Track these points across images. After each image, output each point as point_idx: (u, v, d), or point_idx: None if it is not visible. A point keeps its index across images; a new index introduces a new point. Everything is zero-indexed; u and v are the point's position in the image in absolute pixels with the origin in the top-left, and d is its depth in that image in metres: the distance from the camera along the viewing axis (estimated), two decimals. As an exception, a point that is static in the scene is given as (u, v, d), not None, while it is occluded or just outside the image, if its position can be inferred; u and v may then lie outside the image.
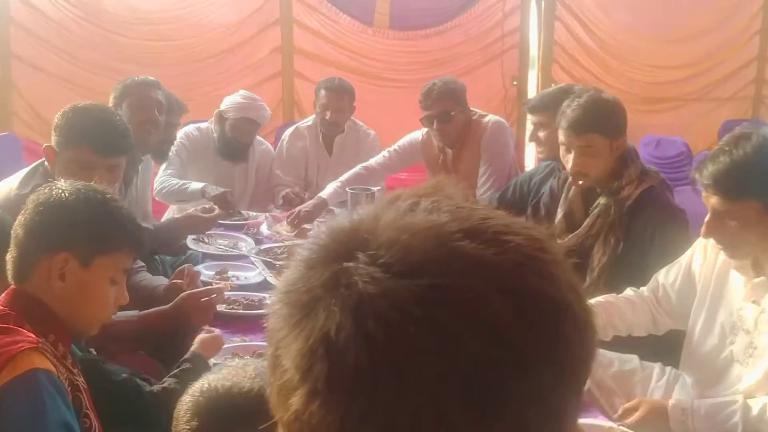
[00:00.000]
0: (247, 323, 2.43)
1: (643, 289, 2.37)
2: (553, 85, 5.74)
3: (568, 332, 0.57)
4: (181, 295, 2.30)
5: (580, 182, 2.64)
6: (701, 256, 2.23)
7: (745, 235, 1.92)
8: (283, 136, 4.37)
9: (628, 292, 2.37)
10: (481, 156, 3.76)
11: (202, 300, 2.27)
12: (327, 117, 4.11)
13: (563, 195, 2.80)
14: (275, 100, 5.42)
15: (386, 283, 0.54)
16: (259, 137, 4.20)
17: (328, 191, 3.73)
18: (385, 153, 4.02)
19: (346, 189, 3.57)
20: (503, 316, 0.54)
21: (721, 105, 5.79)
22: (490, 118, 3.84)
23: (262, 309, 2.51)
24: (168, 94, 3.40)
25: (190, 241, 3.20)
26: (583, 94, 2.59)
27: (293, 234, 3.48)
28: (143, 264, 2.77)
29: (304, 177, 4.29)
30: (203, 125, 4.02)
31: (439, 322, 0.53)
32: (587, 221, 2.65)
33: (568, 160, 2.59)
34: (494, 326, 0.54)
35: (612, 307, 2.30)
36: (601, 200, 2.61)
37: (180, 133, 3.94)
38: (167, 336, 2.31)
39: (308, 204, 3.63)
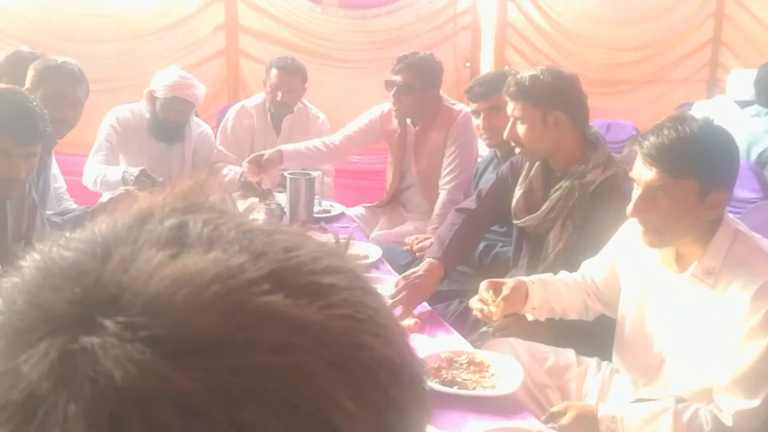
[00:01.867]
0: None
1: (575, 273, 2.30)
2: (506, 67, 5.65)
3: (407, 398, 0.42)
4: None
5: (518, 151, 2.58)
6: (625, 247, 2.14)
7: (674, 219, 1.84)
8: (227, 114, 4.22)
9: (563, 273, 2.30)
10: (448, 142, 3.71)
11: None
12: (278, 97, 4.00)
13: (523, 173, 2.69)
14: (219, 80, 5.24)
15: (158, 370, 0.35)
16: (197, 120, 4.02)
17: (287, 147, 3.66)
18: (344, 132, 3.94)
19: (284, 173, 3.42)
20: (343, 406, 0.38)
21: (675, 88, 5.74)
22: (461, 106, 3.74)
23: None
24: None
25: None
26: (539, 67, 2.55)
27: (257, 180, 3.41)
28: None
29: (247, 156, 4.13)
30: (135, 106, 3.82)
31: (252, 429, 0.36)
32: (547, 204, 2.55)
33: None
34: (334, 425, 0.37)
35: (550, 287, 2.24)
36: (564, 183, 2.53)
37: (110, 116, 3.77)
38: None
39: (267, 152, 3.54)
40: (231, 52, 5.21)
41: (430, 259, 2.61)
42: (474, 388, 1.92)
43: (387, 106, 3.89)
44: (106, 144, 3.71)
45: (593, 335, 2.33)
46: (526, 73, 2.56)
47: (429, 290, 2.54)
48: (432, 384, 1.87)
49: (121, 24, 5.00)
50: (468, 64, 5.64)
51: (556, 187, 2.53)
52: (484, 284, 2.15)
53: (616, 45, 5.66)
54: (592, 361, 2.29)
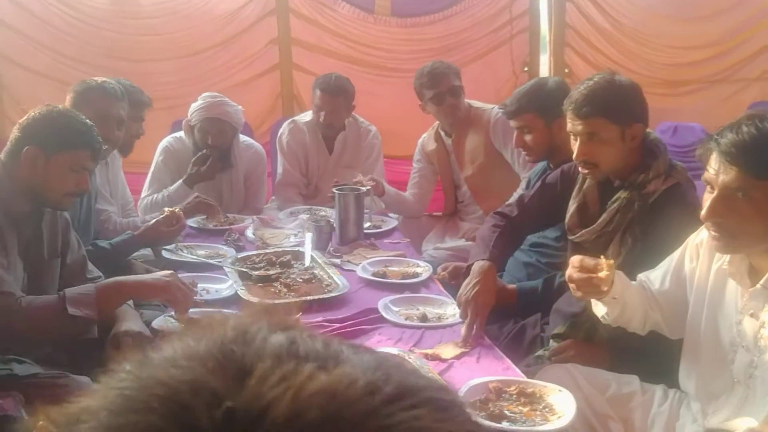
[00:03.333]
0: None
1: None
2: (566, 70, 5.47)
3: None
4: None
5: (587, 172, 2.40)
6: (693, 260, 1.98)
7: (753, 224, 1.69)
8: (281, 130, 4.18)
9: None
10: (494, 144, 3.72)
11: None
12: (321, 119, 3.96)
13: (577, 186, 2.54)
14: (273, 94, 5.23)
15: None
16: (246, 139, 3.98)
17: (388, 187, 3.81)
18: (412, 176, 4.06)
19: (333, 189, 3.35)
20: None
21: (747, 86, 5.41)
22: (495, 107, 3.70)
23: (223, 329, 2.31)
24: (131, 87, 3.28)
25: (164, 251, 3.01)
26: (596, 76, 2.37)
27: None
28: (101, 276, 2.60)
29: (306, 173, 4.10)
30: (180, 134, 3.82)
31: None
32: (604, 216, 2.40)
33: (575, 149, 2.36)
34: None
35: (626, 280, 2.06)
36: (623, 194, 2.38)
37: (159, 149, 3.79)
38: (84, 346, 2.27)
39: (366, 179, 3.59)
40: (284, 66, 5.19)
41: (479, 261, 2.49)
42: (524, 423, 1.79)
43: (422, 136, 3.90)
44: (156, 181, 3.73)
45: (659, 360, 2.17)
46: (582, 86, 2.35)
47: (493, 289, 2.45)
48: (478, 419, 1.76)
49: (177, 42, 5.05)
50: (526, 69, 5.47)
51: (614, 198, 2.37)
52: (576, 258, 1.98)
53: (682, 43, 5.38)
54: (658, 389, 2.13)
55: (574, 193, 2.53)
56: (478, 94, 4.22)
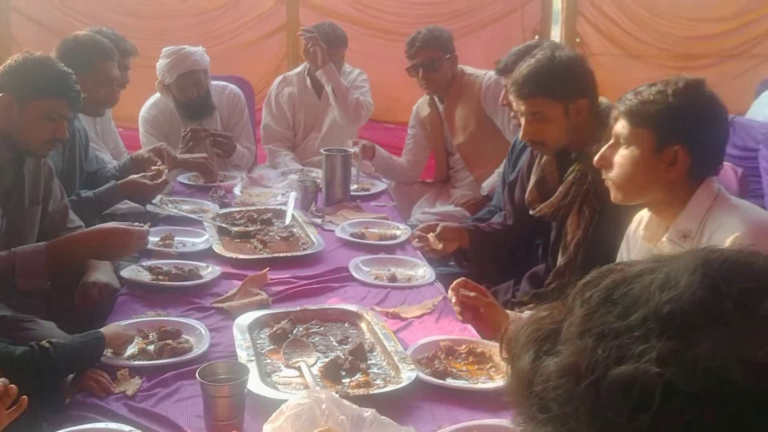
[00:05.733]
0: (169, 295, 2.27)
1: None
2: (578, 40, 5.38)
3: None
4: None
5: (536, 150, 2.41)
6: (626, 254, 1.98)
7: (631, 169, 1.81)
8: (271, 86, 4.20)
9: None
10: (485, 110, 3.69)
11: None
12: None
13: (536, 161, 2.55)
14: (280, 54, 5.22)
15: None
16: (220, 83, 4.00)
17: (380, 149, 3.84)
18: (406, 142, 4.06)
19: (320, 150, 3.37)
20: None
21: (762, 63, 5.28)
22: (490, 74, 3.64)
23: (189, 280, 2.35)
24: (114, 36, 3.33)
25: (150, 204, 3.06)
26: (538, 53, 2.33)
27: None
28: (81, 226, 2.64)
29: (293, 125, 4.12)
30: (156, 100, 3.84)
31: None
32: (560, 189, 2.40)
33: (521, 128, 2.37)
34: None
35: None
36: (576, 166, 2.38)
37: (140, 121, 3.82)
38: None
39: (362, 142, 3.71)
40: (291, 27, 5.16)
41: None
42: (467, 380, 1.81)
43: (418, 101, 3.90)
44: (147, 145, 3.74)
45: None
46: (524, 66, 2.33)
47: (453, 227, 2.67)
48: (421, 374, 1.78)
49: (182, 1, 5.04)
50: (536, 37, 5.37)
51: (569, 170, 2.36)
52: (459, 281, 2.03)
53: (698, 15, 5.25)
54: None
55: (534, 168, 2.53)
56: (486, 62, 4.16)
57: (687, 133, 1.75)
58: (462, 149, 3.77)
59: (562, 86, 2.29)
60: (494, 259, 2.78)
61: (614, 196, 1.90)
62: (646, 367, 0.50)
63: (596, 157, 1.89)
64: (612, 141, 1.86)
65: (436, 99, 3.85)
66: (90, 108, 3.01)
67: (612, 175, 1.87)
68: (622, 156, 1.82)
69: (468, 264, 2.78)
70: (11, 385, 1.43)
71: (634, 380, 0.50)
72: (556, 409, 0.54)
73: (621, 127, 1.82)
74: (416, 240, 2.66)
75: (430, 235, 2.60)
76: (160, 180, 2.89)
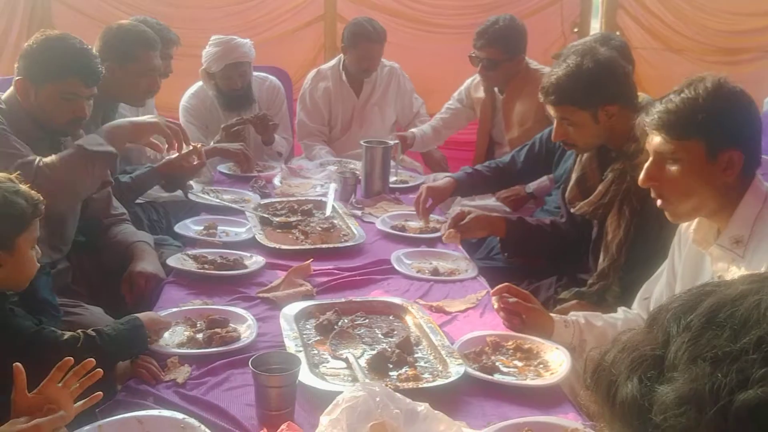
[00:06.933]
0: (214, 284, 2.29)
1: (635, 306, 2.10)
2: (617, 33, 5.30)
3: None
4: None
5: (569, 149, 2.41)
6: (681, 248, 1.94)
7: (686, 184, 1.73)
8: (305, 80, 4.20)
9: (618, 313, 2.10)
10: (546, 109, 3.55)
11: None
12: (364, 67, 4.00)
13: (578, 158, 2.52)
14: (317, 45, 5.23)
15: None
16: (260, 74, 4.00)
17: (417, 131, 3.93)
18: (443, 108, 4.03)
19: (360, 142, 3.36)
20: None
21: (806, 58, 5.18)
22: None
23: (235, 270, 2.36)
24: (158, 25, 3.35)
25: (191, 193, 3.07)
26: (570, 56, 2.30)
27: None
28: (125, 213, 2.66)
29: (328, 121, 4.12)
30: (196, 89, 3.85)
31: None
32: (600, 187, 2.39)
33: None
34: None
35: (594, 331, 2.02)
36: (616, 165, 2.35)
37: (180, 110, 3.83)
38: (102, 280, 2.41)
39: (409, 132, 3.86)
40: (329, 18, 5.17)
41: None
42: (516, 377, 1.80)
43: (477, 76, 3.83)
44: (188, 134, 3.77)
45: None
46: (553, 72, 2.33)
47: (439, 187, 2.95)
48: (469, 369, 1.77)
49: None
50: (576, 29, 5.32)
51: (609, 169, 2.35)
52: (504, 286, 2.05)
53: (740, 9, 5.16)
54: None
55: (576, 165, 2.51)
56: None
57: (735, 135, 1.71)
58: (514, 144, 3.70)
59: (587, 96, 2.28)
60: (537, 253, 2.75)
61: (671, 216, 1.83)
62: None
63: (642, 177, 1.80)
64: (653, 158, 1.77)
65: (495, 89, 3.80)
66: (131, 98, 3.03)
67: (666, 195, 1.78)
68: (672, 172, 1.73)
69: (508, 255, 2.76)
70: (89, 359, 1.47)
71: (766, 403, 0.50)
72: None
73: (661, 143, 1.73)
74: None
75: (444, 234, 2.61)
76: (199, 162, 2.89)
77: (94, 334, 1.74)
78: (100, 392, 1.48)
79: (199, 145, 2.88)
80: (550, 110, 2.38)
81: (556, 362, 1.85)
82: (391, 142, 3.39)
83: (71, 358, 1.48)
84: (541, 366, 1.85)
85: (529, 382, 1.77)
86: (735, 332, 0.55)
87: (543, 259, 2.76)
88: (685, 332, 0.58)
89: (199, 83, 3.83)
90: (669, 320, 0.61)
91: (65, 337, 1.72)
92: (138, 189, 2.88)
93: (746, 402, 0.51)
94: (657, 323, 0.62)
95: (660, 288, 2.03)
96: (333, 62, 4.19)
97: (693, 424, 0.53)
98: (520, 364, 1.87)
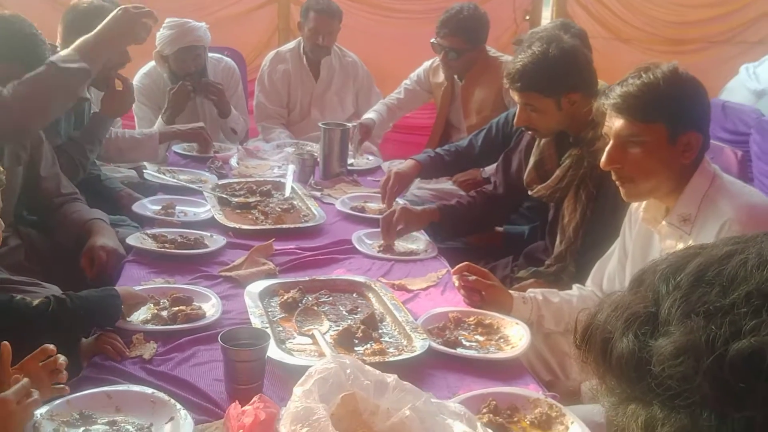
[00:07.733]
0: (176, 263, 2.28)
1: (588, 283, 2.18)
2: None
3: None
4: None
5: (531, 134, 2.48)
6: (631, 228, 2.02)
7: (647, 166, 1.78)
8: (262, 63, 4.17)
9: (573, 290, 2.17)
10: (505, 98, 3.62)
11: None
12: (320, 42, 3.94)
13: (536, 143, 2.58)
14: (270, 28, 5.19)
15: None
16: (215, 55, 3.96)
17: (370, 116, 3.85)
18: (400, 88, 4.02)
19: (318, 124, 3.37)
20: None
21: (749, 49, 5.35)
22: (508, 58, 3.63)
23: (195, 249, 2.35)
24: (113, 5, 3.23)
25: (146, 173, 3.04)
26: (534, 43, 2.35)
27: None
28: (76, 192, 2.62)
29: (287, 103, 4.11)
30: (149, 69, 3.79)
31: None
32: (558, 172, 2.45)
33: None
34: None
35: (548, 307, 2.09)
36: (573, 151, 2.42)
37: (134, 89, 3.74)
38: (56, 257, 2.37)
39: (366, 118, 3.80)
40: (282, 0, 5.14)
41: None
42: (478, 350, 1.85)
43: (436, 59, 3.85)
44: (140, 117, 3.72)
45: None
46: (518, 58, 2.37)
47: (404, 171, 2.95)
48: (433, 344, 1.81)
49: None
50: (527, 17, 5.40)
51: (567, 154, 2.42)
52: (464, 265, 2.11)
53: (686, 1, 5.33)
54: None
55: (533, 149, 2.57)
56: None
57: (694, 118, 1.78)
58: (472, 131, 3.74)
59: (552, 83, 2.33)
60: (470, 232, 2.88)
61: (628, 195, 1.87)
62: (765, 339, 0.55)
63: (603, 160, 1.83)
64: (614, 141, 1.80)
65: (455, 76, 3.83)
66: (100, 76, 2.96)
67: (627, 177, 1.82)
68: (634, 155, 1.78)
69: (443, 238, 2.81)
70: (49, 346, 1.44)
71: (758, 351, 0.55)
72: (677, 386, 0.58)
73: (624, 125, 1.77)
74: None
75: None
76: (125, 88, 2.91)
77: (64, 296, 1.73)
78: (66, 384, 1.46)
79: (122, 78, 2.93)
80: (515, 96, 2.42)
81: (516, 336, 1.91)
82: (349, 125, 3.40)
83: (54, 347, 1.45)
84: (502, 340, 1.91)
85: (490, 355, 1.83)
86: (724, 288, 0.60)
87: (476, 235, 2.88)
88: (676, 291, 0.62)
89: (152, 63, 3.77)
90: (658, 281, 0.65)
91: (35, 302, 1.70)
92: (91, 135, 2.84)
93: (740, 351, 0.55)
94: (644, 284, 0.66)
95: (612, 266, 2.11)
96: (292, 44, 4.17)
97: (691, 372, 0.57)
98: (481, 338, 1.92)
